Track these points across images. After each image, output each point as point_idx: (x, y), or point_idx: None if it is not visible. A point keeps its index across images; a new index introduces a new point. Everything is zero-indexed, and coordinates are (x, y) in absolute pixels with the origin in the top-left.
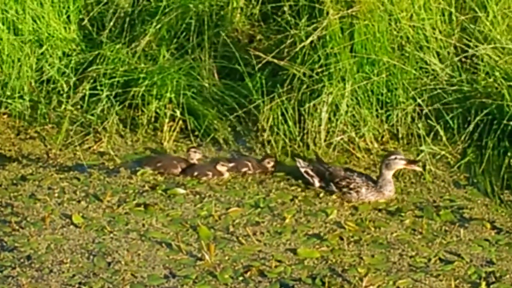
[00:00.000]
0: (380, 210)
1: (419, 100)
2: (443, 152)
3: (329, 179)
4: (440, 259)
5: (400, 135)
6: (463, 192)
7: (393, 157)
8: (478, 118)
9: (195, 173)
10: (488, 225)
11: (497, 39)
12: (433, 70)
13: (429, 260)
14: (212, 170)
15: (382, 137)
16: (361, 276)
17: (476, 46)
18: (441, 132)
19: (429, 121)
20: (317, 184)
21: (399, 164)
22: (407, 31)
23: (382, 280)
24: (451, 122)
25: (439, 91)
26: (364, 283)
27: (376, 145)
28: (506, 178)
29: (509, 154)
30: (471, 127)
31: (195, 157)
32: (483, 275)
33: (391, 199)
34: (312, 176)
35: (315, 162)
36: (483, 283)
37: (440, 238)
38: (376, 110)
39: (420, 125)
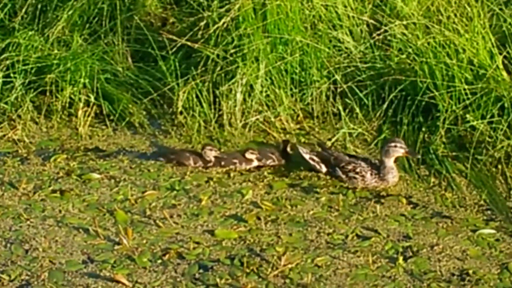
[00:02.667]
0: (295, 188)
1: (333, 78)
2: (359, 130)
3: (334, 164)
4: (357, 235)
5: (315, 114)
6: None
7: (393, 144)
8: (392, 94)
9: (222, 163)
10: (404, 200)
11: (409, 16)
12: (346, 48)
13: (347, 236)
14: (240, 158)
15: (298, 116)
16: (279, 255)
17: (389, 23)
18: (357, 110)
19: (344, 99)
20: (324, 169)
21: (399, 152)
22: (320, 10)
23: (300, 258)
24: (365, 99)
25: (353, 68)
26: (282, 262)
27: (291, 124)
28: (422, 153)
29: (423, 129)
30: (385, 104)
31: (211, 154)
32: (400, 250)
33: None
34: (318, 162)
35: (316, 148)
36: (400, 258)
37: (357, 215)
38: (291, 89)
39: (336, 103)
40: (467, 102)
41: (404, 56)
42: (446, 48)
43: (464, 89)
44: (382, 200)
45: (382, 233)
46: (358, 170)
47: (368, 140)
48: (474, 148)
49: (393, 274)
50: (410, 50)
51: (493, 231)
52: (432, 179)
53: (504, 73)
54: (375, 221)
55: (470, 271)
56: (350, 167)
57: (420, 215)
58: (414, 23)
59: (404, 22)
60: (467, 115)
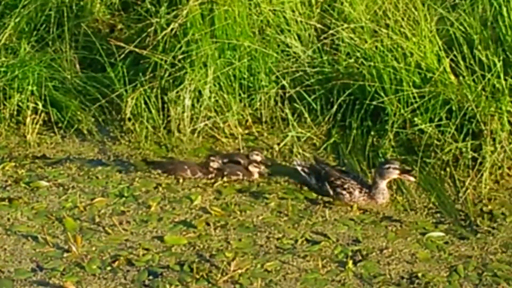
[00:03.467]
0: (244, 194)
1: (281, 83)
2: (308, 134)
3: (324, 178)
4: (306, 239)
5: (264, 119)
6: None
7: (387, 165)
8: (340, 99)
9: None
10: (354, 205)
11: (357, 20)
12: (294, 52)
13: (296, 241)
14: (243, 171)
15: (246, 121)
16: (229, 261)
17: (337, 27)
18: (305, 114)
19: (292, 103)
20: (313, 182)
21: (393, 173)
22: (267, 14)
23: (250, 263)
24: (314, 104)
25: (301, 73)
26: (232, 267)
27: (240, 129)
28: (371, 157)
29: (372, 133)
30: (334, 108)
31: (215, 165)
32: (350, 253)
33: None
34: (308, 174)
35: (312, 161)
36: (350, 262)
37: (306, 219)
38: (239, 94)
39: (284, 108)
40: (415, 105)
41: (352, 60)
42: (393, 52)
43: (412, 93)
44: (331, 204)
45: (331, 237)
46: (346, 186)
47: (317, 145)
48: (422, 151)
49: (343, 278)
50: (358, 54)
51: (442, 233)
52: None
53: (452, 76)
54: (324, 225)
55: (419, 274)
56: (338, 182)
57: (369, 219)
58: (362, 27)
59: (352, 26)
60: (415, 119)
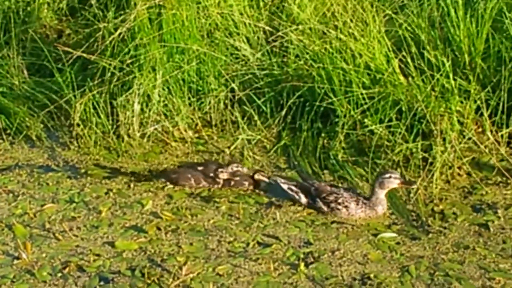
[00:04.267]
0: (195, 198)
1: (231, 86)
2: (258, 137)
3: (315, 195)
4: (258, 242)
5: (213, 122)
6: (284, 175)
7: (387, 175)
8: (290, 101)
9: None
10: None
11: (305, 22)
12: (243, 55)
13: (248, 244)
14: (249, 180)
15: (196, 125)
16: (180, 265)
17: (286, 30)
18: (255, 117)
19: (242, 106)
20: (304, 200)
21: (394, 183)
22: (216, 18)
23: (201, 267)
24: (264, 106)
25: (250, 76)
26: (183, 272)
27: (190, 133)
28: (322, 158)
29: (322, 135)
30: (284, 111)
31: (223, 177)
32: (302, 256)
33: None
34: (296, 193)
35: (297, 179)
36: (302, 264)
37: (257, 222)
38: (189, 98)
39: (234, 111)
40: (365, 106)
41: (301, 62)
42: (342, 53)
43: (362, 94)
44: (283, 207)
45: (283, 240)
46: (340, 201)
47: (267, 147)
48: (373, 152)
49: (295, 281)
50: (307, 56)
51: (394, 234)
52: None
53: (401, 77)
54: (275, 228)
55: (372, 275)
56: (331, 198)
57: (320, 221)
58: (311, 29)
59: (301, 28)
60: (365, 120)
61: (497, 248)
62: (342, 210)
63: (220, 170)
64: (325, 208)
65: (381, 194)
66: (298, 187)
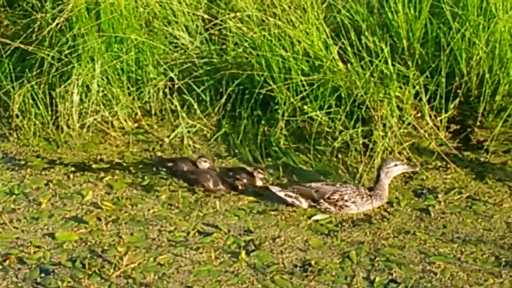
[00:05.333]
0: (135, 187)
1: (170, 75)
2: (198, 126)
3: (318, 197)
4: (198, 231)
5: (153, 112)
6: (225, 164)
7: (393, 164)
8: (230, 89)
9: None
10: (244, 194)
11: (244, 9)
12: (182, 44)
13: (188, 233)
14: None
15: (136, 114)
16: (121, 255)
17: (224, 17)
18: (195, 106)
19: (181, 95)
20: (305, 204)
21: (399, 170)
22: (154, 7)
23: (142, 257)
24: (203, 95)
25: (189, 64)
26: (124, 262)
27: (130, 123)
28: (263, 146)
29: (263, 122)
30: (224, 99)
31: (205, 166)
32: (242, 244)
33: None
34: (296, 198)
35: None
36: (243, 252)
37: (197, 211)
38: (128, 88)
39: (173, 100)
40: (305, 93)
41: (240, 50)
42: (281, 41)
43: (301, 81)
44: (222, 196)
45: (223, 229)
46: (346, 197)
47: (207, 136)
48: (314, 139)
49: (236, 269)
50: (246, 43)
51: (325, 215)
52: (280, 172)
53: (340, 63)
54: (215, 216)
55: (312, 262)
56: (336, 196)
57: (259, 208)
58: (249, 17)
59: (239, 15)
60: (305, 107)
61: (438, 233)
62: (351, 206)
63: (203, 159)
64: (332, 208)
65: (387, 183)
66: (297, 192)
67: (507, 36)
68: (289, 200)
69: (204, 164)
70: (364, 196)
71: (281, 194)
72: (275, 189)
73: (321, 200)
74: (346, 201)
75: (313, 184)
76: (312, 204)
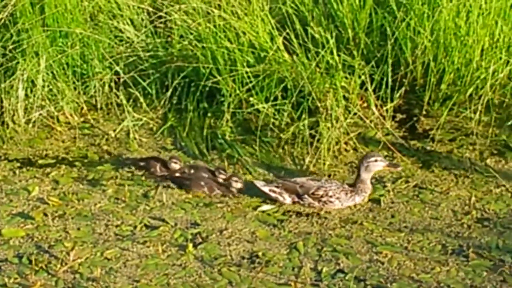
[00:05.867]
0: (81, 182)
1: (115, 69)
2: (144, 119)
3: (303, 192)
4: (145, 225)
5: (99, 106)
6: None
7: (373, 159)
8: (175, 82)
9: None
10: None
11: (189, 1)
12: (127, 37)
13: (135, 227)
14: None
15: (82, 109)
16: (68, 250)
17: (169, 10)
18: (141, 99)
19: (127, 89)
20: (288, 200)
21: (379, 166)
22: (99, 0)
23: (89, 252)
24: (149, 88)
25: (135, 58)
26: (71, 257)
27: (76, 117)
28: (210, 138)
29: (209, 115)
30: (169, 92)
31: (175, 167)
32: (190, 237)
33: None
34: (280, 193)
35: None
36: (190, 245)
37: (144, 205)
38: (73, 82)
39: (119, 94)
40: (250, 85)
41: (186, 42)
42: (226, 32)
43: (247, 72)
44: (169, 188)
45: (170, 222)
46: (331, 193)
47: (154, 129)
48: (260, 131)
49: (184, 262)
50: (191, 36)
51: (272, 206)
52: (225, 164)
53: (286, 54)
54: (162, 210)
55: (260, 253)
56: (321, 192)
57: (206, 201)
58: (194, 9)
59: (184, 8)
60: (251, 98)
61: (385, 223)
62: (335, 201)
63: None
64: (316, 203)
65: (367, 179)
66: (281, 187)
67: (451, 24)
68: (273, 195)
69: (175, 166)
70: (348, 192)
71: (265, 189)
72: (259, 183)
73: (305, 196)
74: (331, 196)
75: (298, 179)
76: (296, 199)
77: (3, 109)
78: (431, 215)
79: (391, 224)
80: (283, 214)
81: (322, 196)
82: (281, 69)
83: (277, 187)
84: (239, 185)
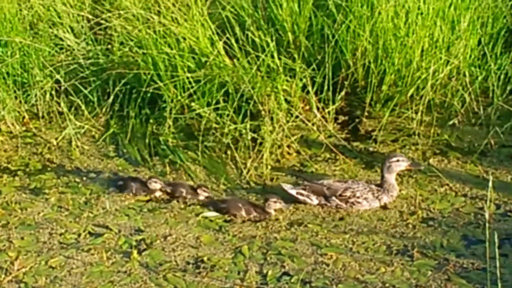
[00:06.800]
0: (24, 191)
1: (56, 77)
2: (87, 127)
3: (330, 194)
4: (89, 233)
5: (41, 114)
6: (114, 164)
7: (395, 159)
8: (117, 89)
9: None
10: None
11: (128, 8)
12: (68, 45)
13: (79, 235)
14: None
15: (23, 118)
16: (12, 260)
17: (109, 17)
18: (82, 107)
19: (69, 97)
20: (315, 202)
21: (401, 166)
22: (38, 9)
23: (34, 261)
24: (90, 96)
25: (76, 66)
26: (16, 267)
27: (17, 126)
28: (152, 144)
29: (151, 121)
30: (111, 99)
31: (156, 187)
32: (134, 243)
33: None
34: (308, 196)
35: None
36: (135, 252)
37: (87, 212)
38: (14, 91)
39: (60, 102)
40: (192, 90)
41: (126, 49)
42: (167, 38)
43: (188, 78)
44: (113, 195)
45: (113, 229)
46: (358, 194)
47: (96, 137)
48: (202, 136)
49: (129, 269)
50: (131, 43)
51: (215, 213)
52: (167, 169)
53: (226, 59)
54: (105, 217)
55: (205, 258)
56: (348, 193)
57: (149, 207)
58: (134, 15)
59: (124, 14)
60: (193, 104)
61: (330, 225)
62: (363, 202)
63: (153, 180)
64: (343, 205)
65: (391, 178)
66: (308, 189)
67: (390, 26)
68: (301, 198)
69: (155, 185)
70: (375, 192)
71: (293, 192)
72: (287, 187)
73: (333, 197)
74: (358, 197)
75: (325, 182)
76: (323, 201)
77: None
78: (378, 217)
79: (336, 227)
80: (224, 221)
81: (349, 197)
82: (222, 73)
83: (304, 189)
84: (278, 205)
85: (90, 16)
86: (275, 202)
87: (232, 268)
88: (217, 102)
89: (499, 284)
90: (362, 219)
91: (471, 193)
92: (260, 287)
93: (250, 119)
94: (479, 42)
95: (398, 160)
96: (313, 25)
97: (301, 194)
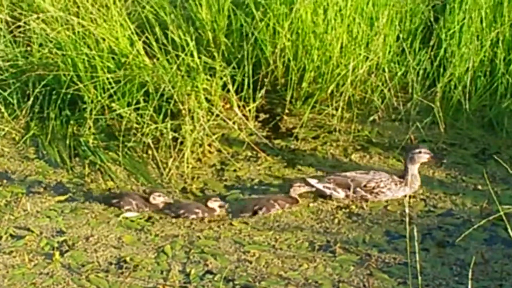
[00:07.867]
0: None
1: None
2: (7, 129)
3: (355, 186)
4: (11, 235)
5: None
6: (34, 165)
7: (417, 150)
8: (36, 90)
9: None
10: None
11: (47, 10)
12: None
13: (0, 238)
14: (202, 208)
15: None
16: None
17: (28, 19)
18: (2, 109)
19: None
20: (342, 195)
21: (424, 158)
22: None
23: None
24: (10, 98)
25: None
26: None
27: None
28: (73, 146)
29: (72, 122)
30: (31, 101)
31: (159, 200)
32: (56, 245)
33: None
34: (334, 189)
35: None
36: (57, 253)
37: (8, 214)
38: None
39: None
40: (112, 91)
41: (45, 51)
42: (86, 39)
43: (108, 78)
44: (33, 197)
45: (35, 231)
46: (382, 184)
47: (16, 139)
48: (123, 136)
49: (51, 270)
50: (51, 44)
51: (135, 213)
52: (87, 170)
53: (146, 59)
54: (27, 219)
55: (128, 258)
56: (372, 184)
57: (70, 208)
58: (53, 17)
59: (42, 16)
60: (113, 104)
61: (254, 222)
62: (387, 192)
63: (156, 194)
64: (368, 195)
65: (414, 169)
66: (333, 183)
67: (309, 23)
68: (328, 191)
69: (159, 199)
70: (398, 183)
71: (320, 186)
72: (313, 181)
73: (358, 189)
74: (383, 187)
75: (348, 174)
76: (349, 193)
77: None
78: (307, 214)
79: (259, 223)
80: (146, 220)
81: (374, 188)
82: (142, 73)
83: (330, 182)
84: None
85: (9, 18)
86: (299, 186)
87: (155, 267)
88: (138, 102)
89: (420, 278)
90: (289, 214)
91: None
92: (183, 286)
93: (171, 119)
94: (398, 38)
95: (420, 152)
96: (232, 23)
97: (328, 188)
